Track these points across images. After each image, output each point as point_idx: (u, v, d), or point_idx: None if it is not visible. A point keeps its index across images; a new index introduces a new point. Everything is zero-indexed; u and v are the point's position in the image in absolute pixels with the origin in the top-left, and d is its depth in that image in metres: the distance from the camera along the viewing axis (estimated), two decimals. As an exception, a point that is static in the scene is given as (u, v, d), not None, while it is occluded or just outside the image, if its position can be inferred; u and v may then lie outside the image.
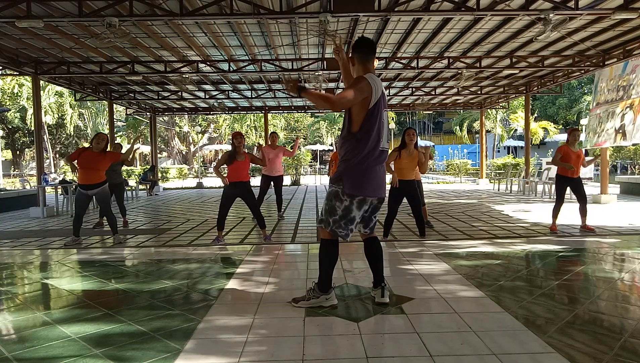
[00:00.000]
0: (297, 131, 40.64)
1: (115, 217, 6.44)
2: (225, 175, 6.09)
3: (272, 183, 8.24)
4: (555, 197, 6.56)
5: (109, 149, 6.61)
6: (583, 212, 6.41)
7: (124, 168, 10.37)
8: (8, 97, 26.21)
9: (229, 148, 30.47)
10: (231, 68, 11.32)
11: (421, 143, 32.66)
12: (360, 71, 3.16)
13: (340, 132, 3.34)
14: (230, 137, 6.28)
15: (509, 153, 33.36)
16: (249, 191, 6.05)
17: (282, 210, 8.68)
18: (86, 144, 23.42)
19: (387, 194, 3.26)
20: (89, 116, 29.79)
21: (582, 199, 6.38)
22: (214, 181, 22.95)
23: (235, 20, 8.00)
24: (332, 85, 14.05)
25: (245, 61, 11.08)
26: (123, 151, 8.29)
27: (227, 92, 15.31)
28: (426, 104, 18.98)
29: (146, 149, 30.77)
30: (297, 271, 4.47)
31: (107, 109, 19.06)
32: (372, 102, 2.99)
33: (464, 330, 2.79)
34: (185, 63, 10.94)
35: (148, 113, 18.82)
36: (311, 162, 26.43)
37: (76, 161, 6.12)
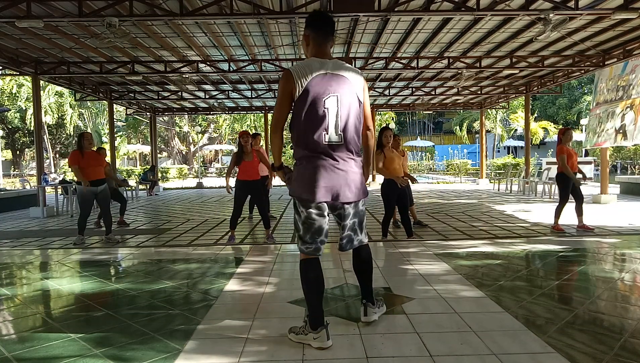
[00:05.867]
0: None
1: (112, 217, 6.54)
2: (231, 184, 6.15)
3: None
4: (559, 196, 6.51)
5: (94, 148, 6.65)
6: (579, 211, 6.42)
7: (124, 167, 10.37)
8: (7, 98, 26.21)
9: (229, 147, 30.10)
10: (231, 68, 11.32)
11: (421, 143, 32.77)
12: (307, 53, 2.74)
13: None
14: (237, 136, 6.33)
15: (509, 153, 33.35)
16: (258, 189, 6.15)
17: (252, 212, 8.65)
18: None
19: (345, 199, 2.62)
20: (89, 116, 29.80)
21: (579, 198, 6.38)
22: (214, 181, 22.97)
23: (235, 20, 8.00)
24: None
25: (245, 61, 11.08)
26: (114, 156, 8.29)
27: (227, 92, 15.32)
28: (426, 104, 18.98)
29: (146, 149, 30.81)
30: (297, 271, 4.45)
31: (107, 109, 19.05)
32: (297, 93, 2.55)
33: (464, 330, 2.79)
34: (185, 63, 10.95)
35: (148, 113, 18.83)
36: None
37: (81, 162, 6.13)
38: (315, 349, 2.54)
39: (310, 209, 2.59)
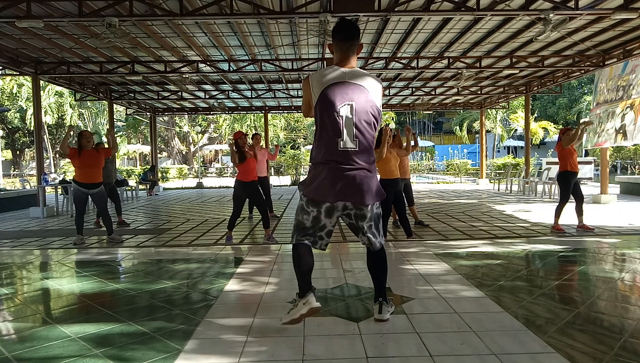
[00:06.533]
0: (297, 131, 40.65)
1: (111, 217, 6.49)
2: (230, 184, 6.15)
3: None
4: (559, 196, 6.49)
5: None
6: (579, 211, 6.42)
7: (124, 167, 10.39)
8: (7, 98, 26.21)
9: (229, 147, 30.06)
10: (231, 68, 11.32)
11: (421, 143, 32.76)
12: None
13: None
14: (233, 137, 6.30)
15: (509, 153, 33.36)
16: (256, 190, 6.18)
17: (252, 213, 8.66)
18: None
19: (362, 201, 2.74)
20: (89, 116, 29.80)
21: (579, 198, 6.38)
22: (214, 181, 22.97)
23: (235, 20, 8.00)
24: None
25: (245, 61, 11.08)
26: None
27: (227, 92, 15.32)
28: (426, 104, 18.98)
29: (146, 149, 30.82)
30: (297, 271, 4.47)
31: (107, 109, 19.05)
32: (313, 100, 2.72)
33: (464, 330, 2.79)
34: (185, 63, 10.94)
35: (148, 113, 18.82)
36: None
37: (76, 161, 6.10)
38: (315, 349, 2.55)
39: (321, 209, 2.74)
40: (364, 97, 2.68)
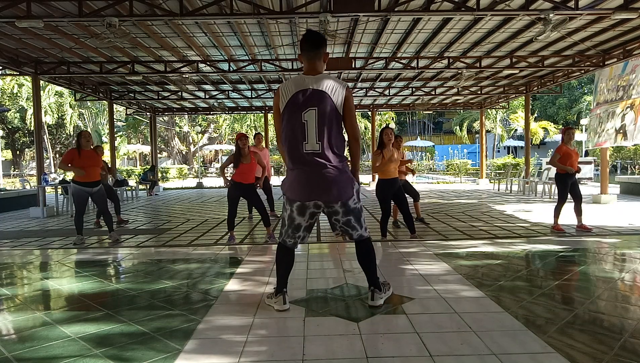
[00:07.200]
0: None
1: (111, 216, 6.55)
2: (230, 176, 6.12)
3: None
4: (557, 196, 6.52)
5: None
6: (578, 211, 6.42)
7: (124, 167, 10.38)
8: (7, 98, 26.22)
9: (229, 147, 30.02)
10: (231, 68, 11.32)
11: (421, 143, 32.78)
12: None
13: None
14: (235, 138, 6.30)
15: (509, 153, 33.37)
16: (252, 193, 6.10)
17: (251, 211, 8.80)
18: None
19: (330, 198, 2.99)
20: (89, 116, 29.81)
21: (577, 198, 6.39)
22: (214, 181, 22.97)
23: (235, 20, 8.00)
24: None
25: (245, 61, 11.08)
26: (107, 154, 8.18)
27: (227, 92, 15.32)
28: (426, 104, 18.98)
29: (146, 149, 30.81)
30: (296, 271, 4.46)
31: (107, 109, 19.06)
32: (282, 107, 2.99)
33: (464, 330, 2.79)
34: (185, 63, 10.95)
35: (148, 113, 18.83)
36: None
37: (73, 161, 6.10)
38: (315, 349, 2.55)
39: (293, 207, 3.04)
40: (327, 103, 2.92)
